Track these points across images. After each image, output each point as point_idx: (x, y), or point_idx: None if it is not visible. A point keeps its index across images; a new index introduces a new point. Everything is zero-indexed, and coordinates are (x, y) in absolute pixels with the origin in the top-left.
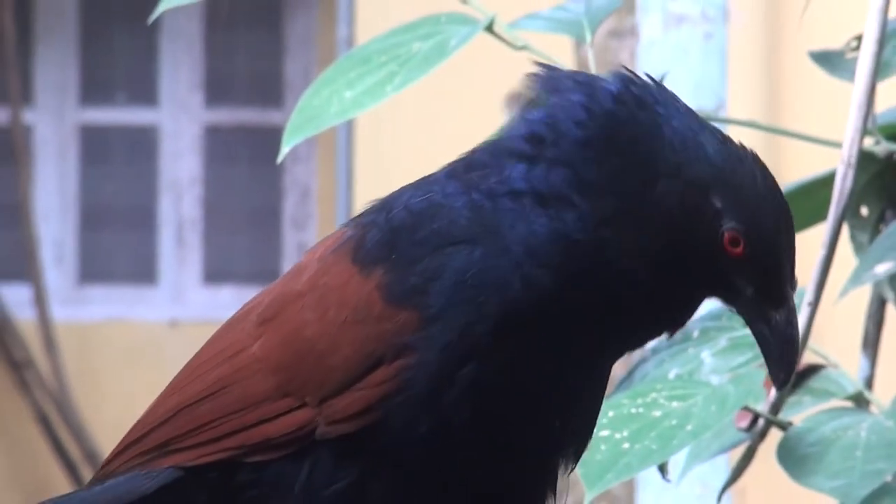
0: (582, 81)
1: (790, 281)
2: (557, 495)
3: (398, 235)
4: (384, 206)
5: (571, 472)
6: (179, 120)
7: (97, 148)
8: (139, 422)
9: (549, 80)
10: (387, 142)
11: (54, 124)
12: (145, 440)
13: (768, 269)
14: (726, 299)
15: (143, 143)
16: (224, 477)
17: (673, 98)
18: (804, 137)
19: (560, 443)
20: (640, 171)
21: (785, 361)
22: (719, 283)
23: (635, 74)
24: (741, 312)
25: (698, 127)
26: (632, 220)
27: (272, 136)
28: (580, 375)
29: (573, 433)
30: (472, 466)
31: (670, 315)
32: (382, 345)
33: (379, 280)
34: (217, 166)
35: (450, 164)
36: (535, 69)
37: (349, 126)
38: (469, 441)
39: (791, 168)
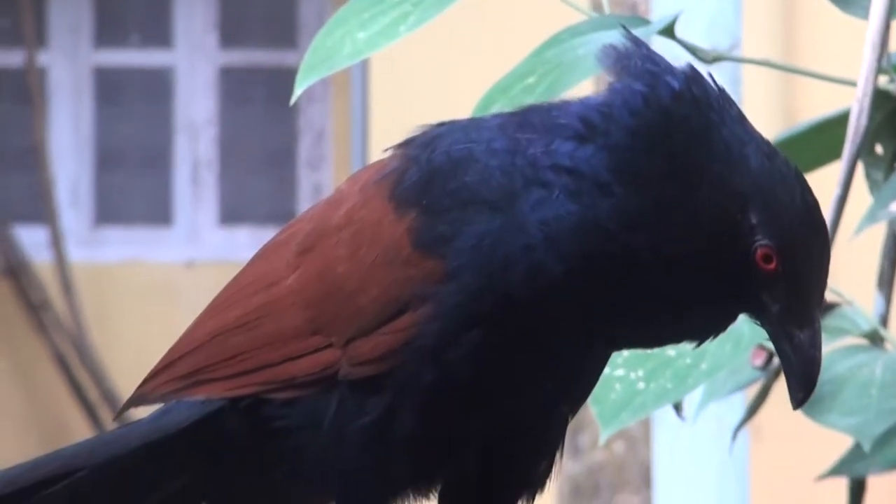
0: (649, 70)
1: (819, 302)
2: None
3: (433, 179)
4: (430, 143)
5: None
6: (194, 61)
7: (112, 89)
8: (177, 343)
9: (623, 58)
10: (402, 82)
11: (69, 66)
12: (179, 364)
13: (798, 289)
14: (752, 313)
15: (157, 85)
16: (255, 409)
17: (728, 104)
18: (819, 76)
19: (557, 402)
20: (683, 174)
21: (805, 381)
22: (747, 296)
23: (701, 75)
24: (766, 327)
25: (747, 138)
26: (666, 220)
27: (286, 78)
28: (582, 356)
29: (568, 396)
30: (474, 416)
31: (688, 322)
32: (408, 291)
33: (410, 223)
34: (232, 107)
35: (505, 115)
36: (622, 39)
37: (364, 67)
38: (469, 395)
39: (806, 107)
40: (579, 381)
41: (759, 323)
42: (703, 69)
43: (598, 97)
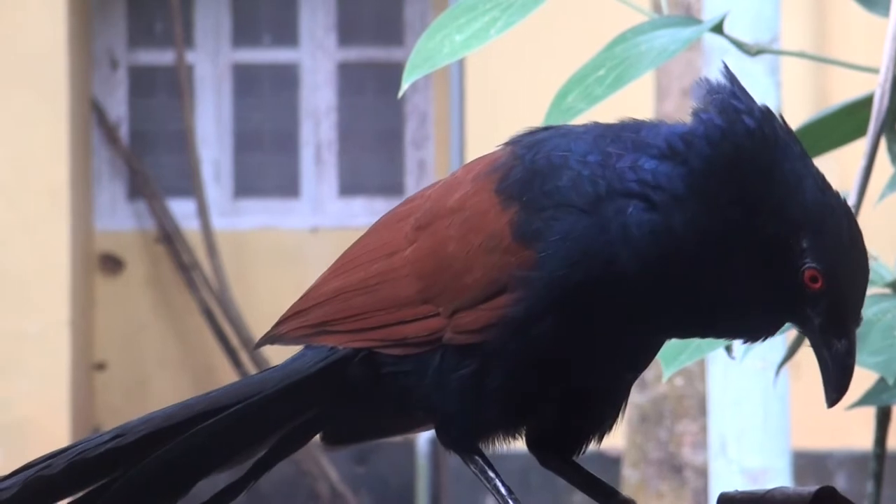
0: (733, 107)
1: (855, 318)
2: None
3: (534, 180)
4: (534, 145)
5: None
6: (316, 58)
7: (247, 83)
8: (306, 294)
9: (713, 91)
10: (492, 74)
11: (211, 63)
12: (308, 315)
13: (838, 306)
14: (797, 322)
15: (286, 78)
16: (372, 358)
17: (793, 142)
18: (847, 65)
19: (622, 372)
20: (747, 200)
21: (840, 385)
22: (793, 309)
23: (773, 116)
24: (808, 336)
25: (805, 173)
26: (730, 238)
27: (395, 70)
28: (644, 339)
29: (632, 367)
30: (552, 379)
31: (740, 325)
32: (506, 275)
33: (512, 217)
34: (349, 97)
35: (601, 127)
36: (718, 74)
37: (460, 61)
38: (548, 363)
39: (836, 91)
40: (641, 356)
41: (802, 331)
42: (749, 66)
43: (684, 125)
